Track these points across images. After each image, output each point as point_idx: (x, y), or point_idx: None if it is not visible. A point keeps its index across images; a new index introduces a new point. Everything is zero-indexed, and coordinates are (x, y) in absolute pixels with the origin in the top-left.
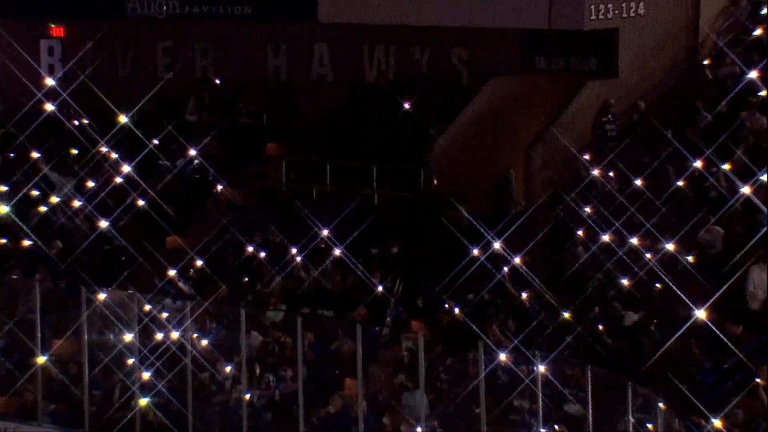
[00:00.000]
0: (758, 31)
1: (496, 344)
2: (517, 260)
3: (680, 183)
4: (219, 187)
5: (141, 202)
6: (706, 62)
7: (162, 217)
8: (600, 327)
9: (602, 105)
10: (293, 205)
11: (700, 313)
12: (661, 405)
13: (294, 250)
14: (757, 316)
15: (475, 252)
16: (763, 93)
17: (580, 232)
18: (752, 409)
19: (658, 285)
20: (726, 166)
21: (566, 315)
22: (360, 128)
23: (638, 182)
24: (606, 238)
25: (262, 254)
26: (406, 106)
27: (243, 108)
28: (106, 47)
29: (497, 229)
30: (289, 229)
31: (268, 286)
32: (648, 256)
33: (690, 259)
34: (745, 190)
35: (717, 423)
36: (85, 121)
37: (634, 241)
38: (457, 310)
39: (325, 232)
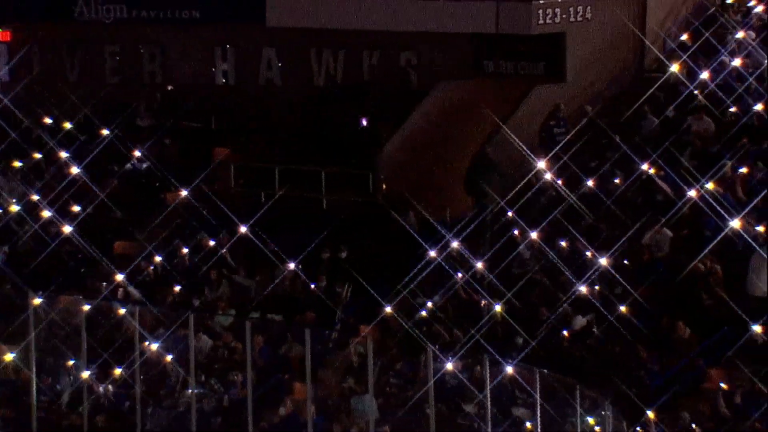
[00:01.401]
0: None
1: (445, 348)
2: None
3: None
4: (167, 192)
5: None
6: (653, 66)
7: (110, 222)
8: (550, 330)
9: (552, 109)
10: (241, 210)
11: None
12: (608, 407)
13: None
14: (705, 318)
15: (432, 254)
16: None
17: (518, 233)
18: (699, 412)
19: (602, 288)
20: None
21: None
22: (309, 132)
23: (589, 184)
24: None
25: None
26: (355, 110)
27: (192, 112)
28: (53, 51)
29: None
30: (237, 233)
31: (216, 291)
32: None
33: (636, 262)
34: (692, 193)
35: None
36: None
37: (583, 244)
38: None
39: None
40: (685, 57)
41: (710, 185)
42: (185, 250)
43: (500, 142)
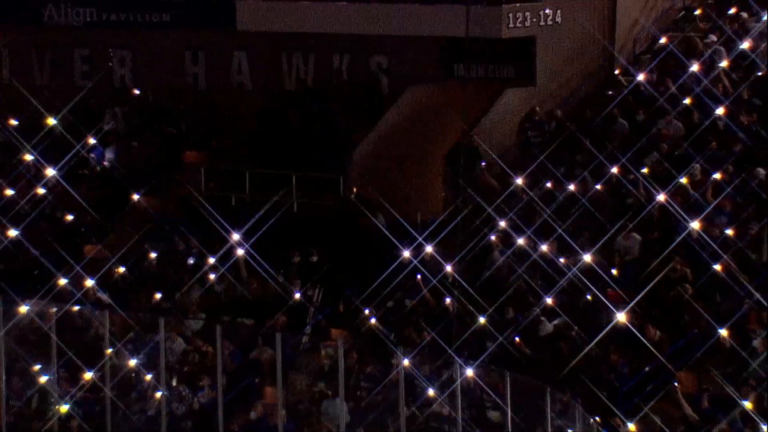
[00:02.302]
0: (673, 41)
1: (415, 350)
2: (447, 268)
3: (598, 188)
4: (137, 196)
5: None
6: (622, 70)
7: (80, 226)
8: (519, 334)
9: (528, 112)
10: (212, 214)
11: (620, 316)
12: (580, 410)
13: (212, 259)
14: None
15: (406, 254)
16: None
17: (495, 239)
18: (669, 415)
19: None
20: (644, 171)
21: (485, 321)
22: (279, 136)
23: (571, 188)
24: (523, 243)
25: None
26: (326, 114)
27: (162, 116)
28: (23, 55)
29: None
30: (208, 237)
31: (188, 295)
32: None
33: (609, 265)
34: (661, 197)
35: (632, 427)
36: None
37: (552, 247)
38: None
39: (236, 237)
40: (655, 61)
41: (680, 188)
42: (153, 255)
43: (469, 145)
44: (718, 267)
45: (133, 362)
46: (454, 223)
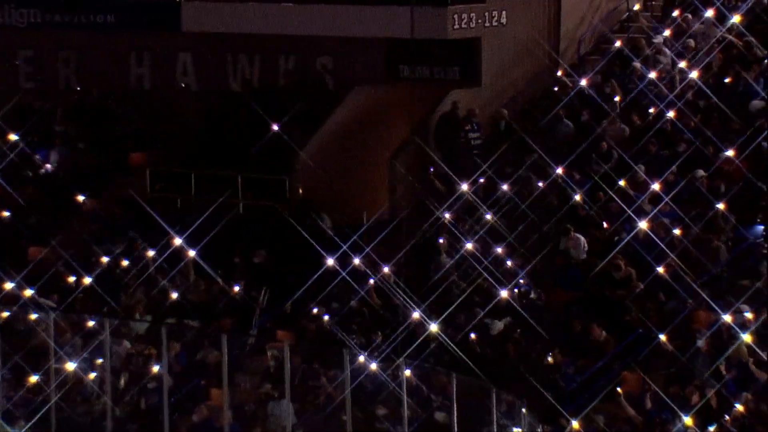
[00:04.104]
0: (618, 43)
1: (362, 352)
2: (385, 269)
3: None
4: (82, 197)
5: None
6: (567, 71)
7: (24, 227)
8: (467, 335)
9: (466, 113)
10: (157, 216)
11: None
12: (524, 411)
13: (157, 261)
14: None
15: (357, 262)
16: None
17: (443, 241)
18: (613, 415)
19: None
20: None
21: (432, 324)
22: (225, 137)
23: (504, 188)
24: (470, 246)
25: (126, 264)
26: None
27: (107, 118)
28: None
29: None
30: (153, 239)
31: (132, 297)
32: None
33: (552, 266)
34: (607, 197)
35: (576, 425)
36: None
37: (500, 248)
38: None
39: (178, 241)
40: (601, 63)
41: (624, 189)
42: (105, 259)
43: (413, 147)
44: (661, 268)
45: (77, 365)
46: (394, 224)
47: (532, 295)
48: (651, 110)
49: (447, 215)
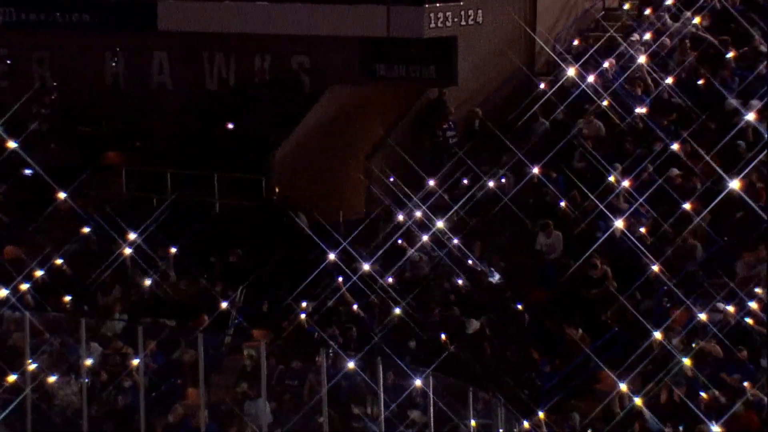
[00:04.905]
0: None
1: (339, 350)
2: (365, 267)
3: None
4: (62, 195)
5: None
6: (543, 69)
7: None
8: (442, 334)
9: (442, 112)
10: (135, 215)
11: None
12: (500, 409)
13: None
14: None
15: (332, 257)
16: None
17: (416, 238)
18: (589, 413)
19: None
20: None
21: (400, 313)
22: (201, 137)
23: (490, 185)
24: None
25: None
26: (247, 114)
27: (83, 117)
28: None
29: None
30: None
31: (109, 297)
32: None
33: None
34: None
35: (541, 415)
36: None
37: (474, 247)
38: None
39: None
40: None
41: (600, 187)
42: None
43: (389, 146)
44: (638, 266)
45: (53, 364)
46: (365, 223)
47: (508, 294)
48: (627, 108)
49: (418, 213)
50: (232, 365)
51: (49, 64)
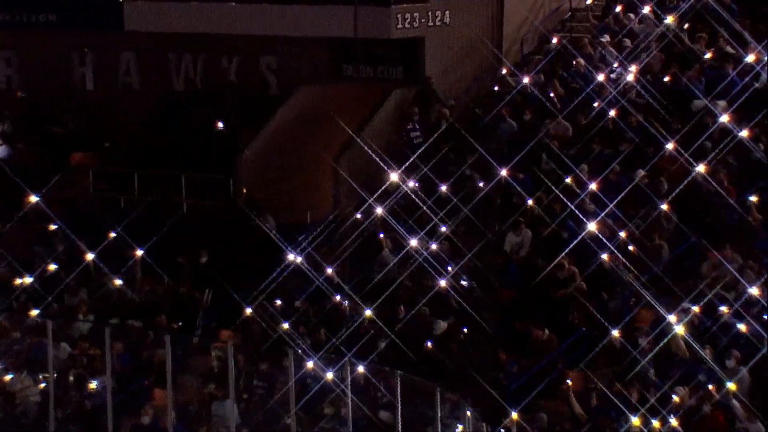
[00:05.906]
0: (559, 42)
1: (307, 351)
2: (329, 270)
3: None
4: (33, 198)
5: None
6: (510, 70)
7: None
8: (410, 333)
9: (406, 112)
10: (100, 216)
11: None
12: (468, 410)
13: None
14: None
15: (291, 257)
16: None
17: (382, 236)
18: (558, 412)
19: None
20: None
21: (367, 309)
22: (168, 137)
23: (444, 189)
24: (414, 244)
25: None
26: (215, 114)
27: (50, 117)
28: None
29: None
30: (97, 239)
31: (76, 298)
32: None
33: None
34: (551, 195)
35: (514, 416)
36: None
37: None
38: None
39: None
40: (543, 62)
41: (567, 188)
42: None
43: (357, 146)
44: (605, 266)
45: (18, 365)
46: (325, 222)
47: (476, 294)
48: (594, 108)
49: (379, 210)
50: (199, 366)
51: (15, 64)
